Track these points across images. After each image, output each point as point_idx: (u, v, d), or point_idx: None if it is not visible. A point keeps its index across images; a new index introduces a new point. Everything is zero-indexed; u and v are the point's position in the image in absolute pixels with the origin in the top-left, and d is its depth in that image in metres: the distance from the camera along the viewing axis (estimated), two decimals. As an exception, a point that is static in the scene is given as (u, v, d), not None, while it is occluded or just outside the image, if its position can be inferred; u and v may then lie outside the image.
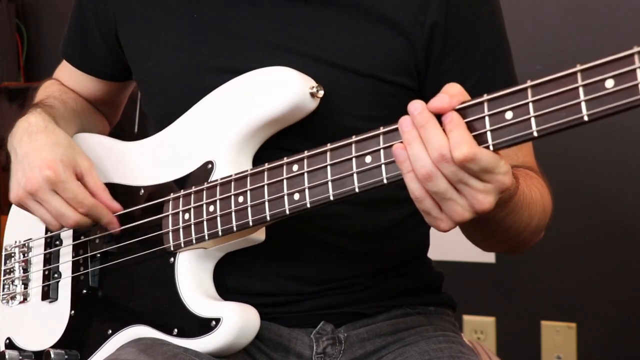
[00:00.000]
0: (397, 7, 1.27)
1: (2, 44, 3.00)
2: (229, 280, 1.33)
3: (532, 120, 0.98)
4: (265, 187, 1.20)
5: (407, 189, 1.06)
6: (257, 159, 1.28)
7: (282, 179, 1.18)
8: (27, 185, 1.31)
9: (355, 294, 1.36)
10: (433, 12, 1.27)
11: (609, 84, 0.93)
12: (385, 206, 1.35)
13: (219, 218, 1.24)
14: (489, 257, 2.65)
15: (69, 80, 1.58)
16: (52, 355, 1.38)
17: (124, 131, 1.93)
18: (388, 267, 1.38)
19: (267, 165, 1.21)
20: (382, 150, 1.09)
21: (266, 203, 1.20)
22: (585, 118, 0.95)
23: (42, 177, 1.30)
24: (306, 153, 1.17)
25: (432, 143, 1.02)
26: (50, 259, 1.46)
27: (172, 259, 1.30)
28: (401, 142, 1.05)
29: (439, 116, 1.03)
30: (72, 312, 1.41)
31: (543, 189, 1.28)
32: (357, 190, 1.11)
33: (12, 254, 1.51)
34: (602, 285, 2.55)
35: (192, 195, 1.28)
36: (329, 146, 1.14)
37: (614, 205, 2.53)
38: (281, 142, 1.27)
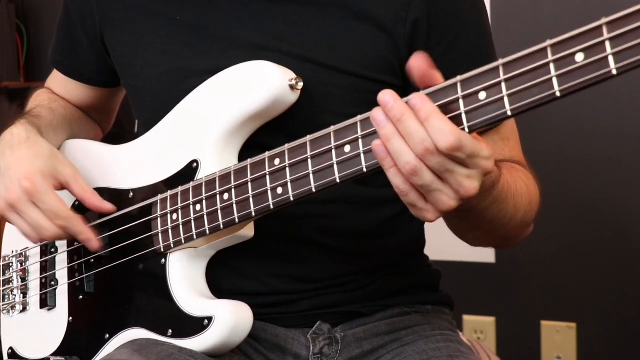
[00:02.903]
0: (379, 5, 1.26)
1: (2, 44, 3.00)
2: (223, 283, 1.32)
3: (506, 99, 0.97)
4: (249, 183, 1.20)
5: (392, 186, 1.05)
6: (242, 159, 1.26)
7: (265, 174, 1.18)
8: (7, 197, 1.31)
9: (352, 293, 1.35)
10: (415, 9, 1.25)
11: (579, 57, 0.92)
12: (375, 205, 1.33)
13: (205, 216, 1.24)
14: (489, 257, 2.63)
15: (59, 88, 1.58)
16: (53, 363, 1.38)
17: (124, 131, 1.93)
18: (384, 265, 1.37)
19: (249, 161, 1.20)
20: (360, 139, 1.08)
21: (251, 199, 1.19)
22: (558, 94, 0.94)
23: (20, 188, 1.30)
24: (287, 146, 1.16)
25: (413, 137, 0.99)
26: (47, 267, 1.46)
27: (163, 260, 1.30)
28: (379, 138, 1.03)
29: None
30: (70, 318, 1.41)
31: (529, 182, 1.26)
32: (338, 180, 1.10)
33: (10, 264, 1.52)
34: (602, 285, 2.52)
35: (179, 196, 1.28)
36: (308, 138, 1.14)
37: (613, 205, 2.50)
38: (265, 141, 1.26)
